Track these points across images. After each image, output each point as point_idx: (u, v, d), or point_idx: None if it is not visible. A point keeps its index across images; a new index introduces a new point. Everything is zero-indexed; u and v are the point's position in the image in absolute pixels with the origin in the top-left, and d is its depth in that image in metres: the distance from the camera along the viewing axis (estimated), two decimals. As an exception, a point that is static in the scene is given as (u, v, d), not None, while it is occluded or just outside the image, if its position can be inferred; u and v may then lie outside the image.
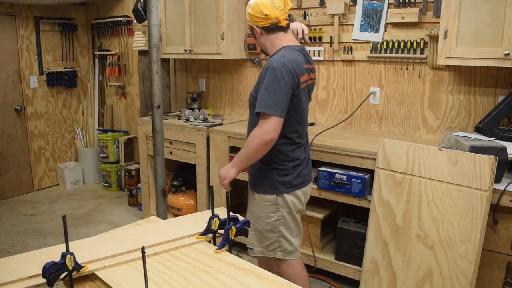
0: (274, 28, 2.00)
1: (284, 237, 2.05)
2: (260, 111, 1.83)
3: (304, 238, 2.80)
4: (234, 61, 3.72)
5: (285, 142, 1.97)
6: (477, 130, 2.46)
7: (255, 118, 1.93)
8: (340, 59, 3.13)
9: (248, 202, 2.17)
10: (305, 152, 2.08)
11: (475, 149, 2.08)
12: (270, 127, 1.82)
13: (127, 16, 4.51)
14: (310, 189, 2.16)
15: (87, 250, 1.47)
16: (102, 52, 4.87)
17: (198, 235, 1.62)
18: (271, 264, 2.17)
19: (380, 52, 2.93)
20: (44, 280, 1.26)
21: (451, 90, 2.74)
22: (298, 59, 1.95)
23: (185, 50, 3.50)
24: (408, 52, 2.81)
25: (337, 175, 2.59)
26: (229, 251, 1.56)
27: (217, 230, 1.61)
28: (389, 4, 2.84)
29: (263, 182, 2.02)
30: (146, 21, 2.50)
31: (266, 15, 1.95)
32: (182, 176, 3.72)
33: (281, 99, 1.82)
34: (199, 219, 1.76)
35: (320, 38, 3.16)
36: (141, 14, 2.76)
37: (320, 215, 2.81)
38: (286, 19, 2.00)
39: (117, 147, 4.68)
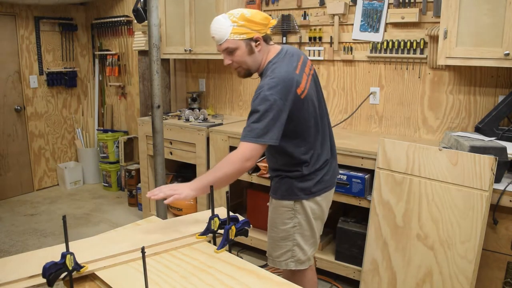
0: (268, 37, 1.83)
1: (299, 246, 1.93)
2: (247, 141, 1.67)
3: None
4: (234, 61, 3.72)
5: (296, 156, 1.86)
6: (477, 130, 2.46)
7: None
8: (340, 59, 3.13)
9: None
10: (322, 158, 1.90)
11: (475, 149, 2.08)
12: (254, 155, 1.68)
13: (127, 16, 4.51)
14: (333, 195, 2.02)
15: (87, 250, 1.47)
16: (102, 52, 4.87)
17: (198, 235, 1.62)
18: (296, 279, 2.01)
19: (380, 52, 2.93)
20: (44, 280, 1.26)
21: (451, 90, 2.74)
22: (291, 69, 1.75)
23: (185, 50, 3.50)
24: (408, 52, 2.81)
25: (337, 175, 2.59)
26: (229, 251, 1.56)
27: (217, 230, 1.61)
28: (389, 4, 2.84)
29: (281, 188, 1.91)
30: (146, 21, 2.50)
31: (269, 20, 1.78)
32: (182, 176, 3.72)
33: (272, 127, 1.66)
34: (199, 219, 1.76)
35: (320, 38, 3.16)
36: (141, 14, 2.76)
37: (320, 215, 2.80)
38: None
39: (117, 147, 4.68)
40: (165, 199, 1.62)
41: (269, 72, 1.75)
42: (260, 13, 1.78)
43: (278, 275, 1.45)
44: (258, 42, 1.77)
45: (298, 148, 1.85)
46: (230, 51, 1.78)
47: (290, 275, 2.02)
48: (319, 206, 1.92)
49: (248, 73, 1.86)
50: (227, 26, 1.73)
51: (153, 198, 1.62)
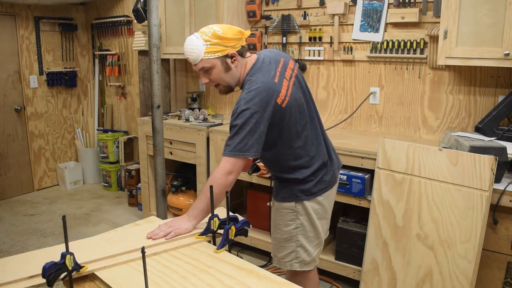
0: (243, 50, 1.79)
1: (302, 247, 1.91)
2: (227, 156, 1.67)
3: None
4: (234, 61, 3.72)
5: (287, 163, 1.85)
6: (477, 130, 2.46)
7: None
8: (340, 59, 3.13)
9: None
10: (320, 158, 1.88)
11: (475, 149, 2.08)
12: (235, 169, 1.67)
13: (127, 16, 4.51)
14: (335, 192, 2.01)
15: (87, 250, 1.47)
16: (102, 52, 4.87)
17: (198, 235, 1.62)
18: (299, 280, 2.00)
19: (380, 52, 2.93)
20: (44, 280, 1.26)
21: (451, 90, 2.74)
22: (269, 79, 1.71)
23: (185, 50, 3.50)
24: (408, 52, 2.81)
25: (337, 175, 2.59)
26: (229, 251, 1.56)
27: (216, 230, 1.62)
28: (389, 4, 2.84)
29: (282, 190, 1.91)
30: (146, 21, 2.50)
31: (242, 33, 1.74)
32: (182, 176, 3.72)
33: (250, 140, 1.65)
34: (199, 219, 1.76)
35: (320, 38, 3.16)
36: (141, 14, 2.76)
37: (320, 215, 2.80)
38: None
39: (117, 147, 4.68)
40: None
41: (246, 85, 1.73)
42: (232, 28, 1.74)
43: (279, 274, 1.45)
44: (234, 58, 1.74)
45: (287, 155, 1.83)
46: (206, 70, 1.76)
47: (292, 275, 2.02)
48: (321, 205, 1.91)
49: (229, 89, 1.85)
50: (200, 45, 1.70)
51: (154, 238, 1.59)
